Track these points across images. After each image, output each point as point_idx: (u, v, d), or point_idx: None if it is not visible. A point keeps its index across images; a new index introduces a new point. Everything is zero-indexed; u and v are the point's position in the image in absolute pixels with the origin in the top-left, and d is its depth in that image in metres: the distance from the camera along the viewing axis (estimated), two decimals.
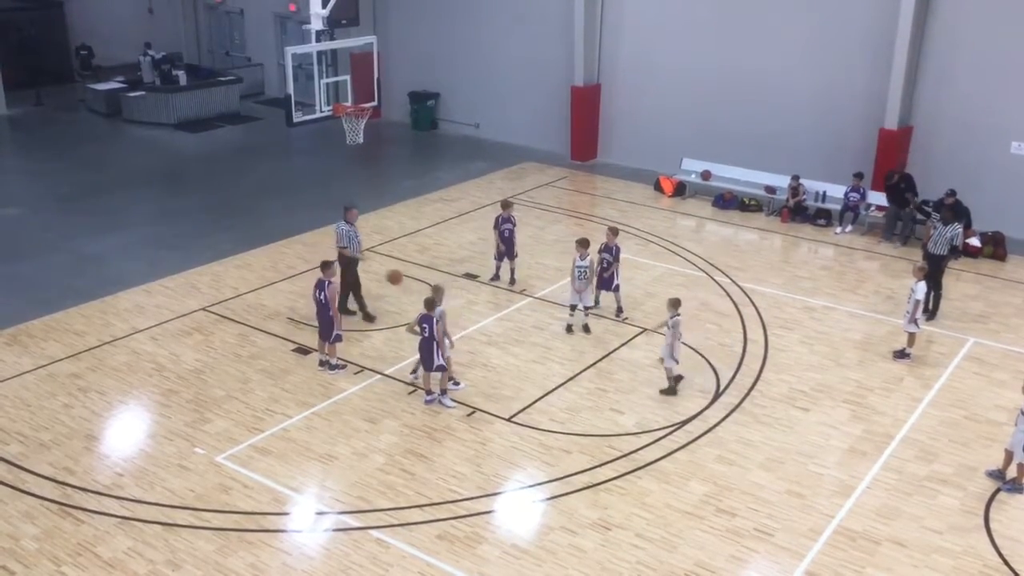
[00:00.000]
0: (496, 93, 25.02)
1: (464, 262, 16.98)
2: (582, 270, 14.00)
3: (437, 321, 11.91)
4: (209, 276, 16.35)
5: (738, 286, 16.24)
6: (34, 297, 15.33)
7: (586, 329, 14.35)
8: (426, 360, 12.06)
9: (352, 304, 14.58)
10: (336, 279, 13.01)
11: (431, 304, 11.99)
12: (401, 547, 9.66)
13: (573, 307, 14.41)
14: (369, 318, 14.50)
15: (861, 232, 18.88)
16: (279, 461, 11.08)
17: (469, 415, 12.10)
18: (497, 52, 24.62)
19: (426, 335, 11.91)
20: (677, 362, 12.60)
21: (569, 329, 14.31)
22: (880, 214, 18.82)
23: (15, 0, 31.20)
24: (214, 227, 18.71)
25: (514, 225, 15.68)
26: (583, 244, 14.16)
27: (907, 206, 18.22)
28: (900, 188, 18.27)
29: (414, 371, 12.77)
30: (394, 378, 12.88)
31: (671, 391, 12.61)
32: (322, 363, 13.19)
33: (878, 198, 19.00)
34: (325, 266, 12.94)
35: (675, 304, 12.49)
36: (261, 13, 29.77)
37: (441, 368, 12.09)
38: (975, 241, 17.65)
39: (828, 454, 11.38)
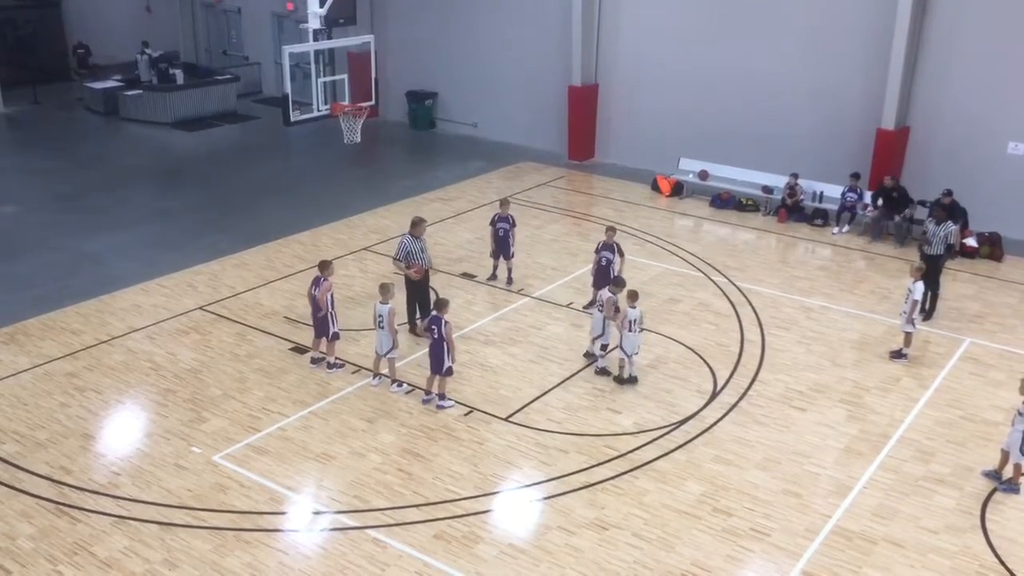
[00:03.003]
0: (494, 93, 25.02)
1: (462, 261, 16.98)
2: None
3: (446, 322, 11.92)
4: (206, 275, 16.34)
5: (735, 286, 16.26)
6: (31, 296, 15.31)
7: (606, 372, 13.17)
8: (435, 363, 12.06)
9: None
10: (332, 277, 13.02)
11: (441, 306, 12.00)
12: (398, 547, 9.66)
13: (605, 346, 13.16)
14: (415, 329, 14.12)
15: (858, 232, 18.88)
16: (276, 460, 11.08)
17: (466, 415, 12.10)
18: (495, 52, 24.61)
19: (436, 337, 11.92)
20: (628, 355, 12.66)
21: (606, 372, 13.12)
22: (876, 214, 18.87)
23: None
24: (211, 226, 18.70)
25: (511, 225, 15.68)
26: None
27: (897, 213, 18.29)
28: (893, 197, 18.33)
29: (376, 376, 12.80)
30: (387, 376, 12.85)
31: (620, 379, 12.77)
32: (314, 361, 13.20)
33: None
34: (323, 265, 12.95)
35: (631, 296, 12.63)
36: (258, 12, 29.75)
37: (449, 371, 12.10)
38: (972, 241, 17.67)
39: (825, 454, 11.40)
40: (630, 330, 12.55)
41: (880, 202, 18.45)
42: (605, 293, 13.13)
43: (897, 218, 18.31)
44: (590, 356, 13.48)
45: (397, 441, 11.49)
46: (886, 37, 18.75)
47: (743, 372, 13.33)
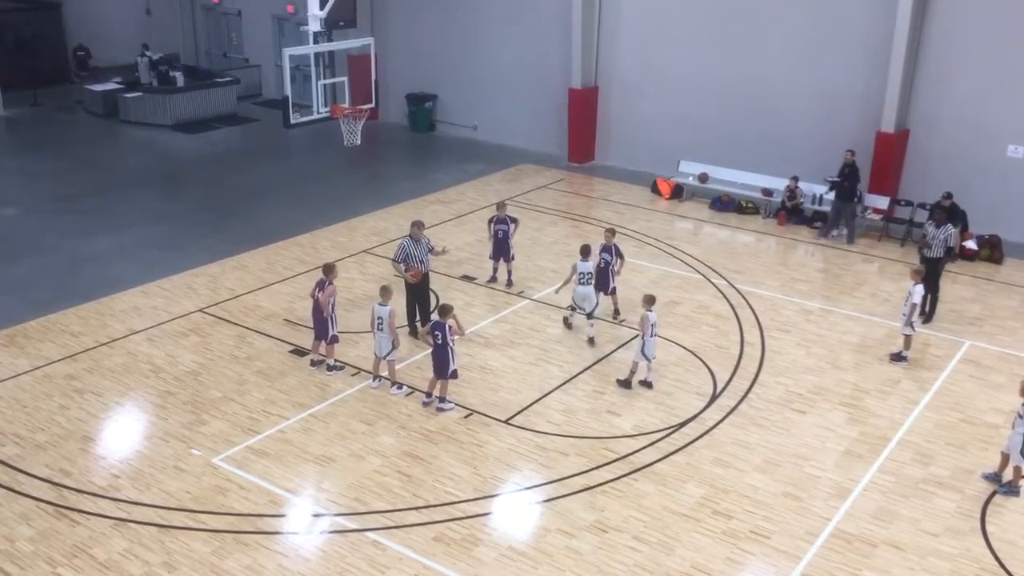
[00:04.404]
0: (494, 95, 25.03)
1: (461, 264, 16.98)
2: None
3: (449, 328, 11.91)
4: (206, 277, 16.33)
5: (735, 288, 16.26)
6: (30, 298, 15.31)
7: (570, 324, 14.52)
8: (440, 367, 12.04)
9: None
10: (336, 281, 13.03)
11: (444, 312, 11.99)
12: (398, 549, 9.65)
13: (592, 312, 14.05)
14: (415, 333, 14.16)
15: (857, 235, 18.89)
16: (276, 463, 11.07)
17: (466, 417, 12.09)
18: (495, 54, 24.63)
19: (439, 342, 11.91)
20: (647, 358, 12.66)
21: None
22: (877, 216, 18.90)
23: (12, 0, 31.17)
24: (211, 228, 18.70)
25: (508, 226, 15.67)
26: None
27: (852, 199, 18.47)
28: (845, 174, 18.48)
29: (376, 378, 12.81)
30: (387, 378, 12.85)
31: (626, 383, 12.75)
32: (314, 363, 13.19)
33: (875, 200, 19.06)
34: (328, 268, 12.95)
35: (648, 301, 12.63)
36: (259, 14, 29.77)
37: (454, 374, 12.11)
38: (971, 244, 17.68)
39: (824, 456, 11.39)
40: (651, 334, 12.55)
41: (835, 190, 18.71)
42: (588, 264, 13.88)
43: (856, 200, 18.56)
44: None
45: (397, 443, 11.49)
46: (886, 40, 18.76)
47: (743, 375, 13.33)
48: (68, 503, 10.29)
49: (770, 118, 20.70)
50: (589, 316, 14.04)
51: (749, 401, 12.64)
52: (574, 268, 14.03)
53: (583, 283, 13.94)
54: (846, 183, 18.44)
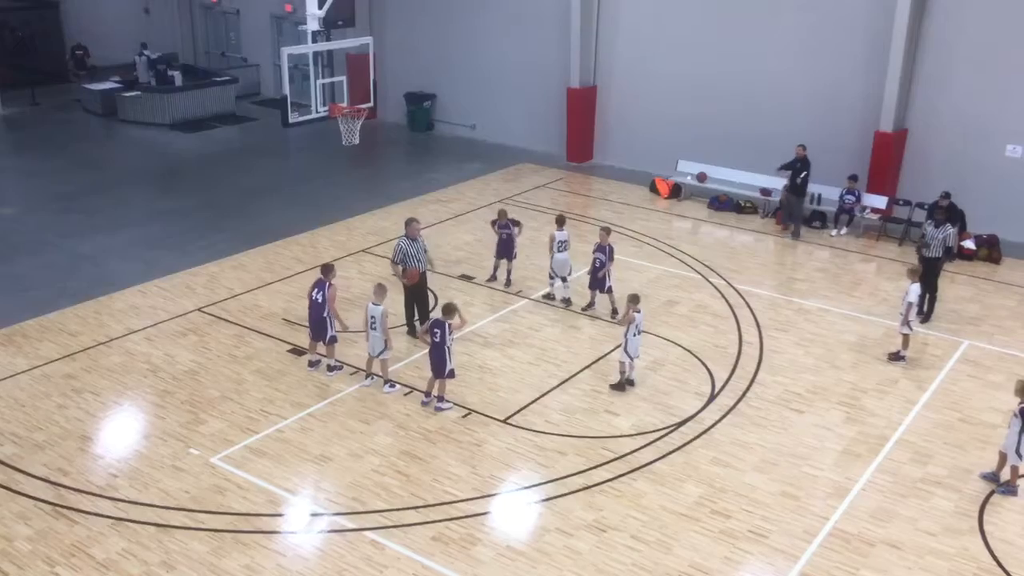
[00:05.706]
0: (492, 94, 25.03)
1: (460, 263, 16.98)
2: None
3: (450, 326, 11.91)
4: (204, 277, 16.33)
5: (733, 288, 16.27)
6: (29, 297, 15.30)
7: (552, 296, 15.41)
8: (437, 367, 12.05)
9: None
10: (336, 282, 13.02)
11: (448, 311, 11.99)
12: (396, 548, 9.65)
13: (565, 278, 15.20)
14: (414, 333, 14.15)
15: (856, 234, 18.92)
16: (274, 462, 11.07)
17: (464, 416, 12.10)
18: (493, 53, 24.63)
19: (437, 340, 11.91)
20: (631, 358, 12.68)
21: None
22: (875, 216, 18.92)
23: (11, 0, 31.16)
24: (210, 228, 18.69)
25: (512, 229, 15.66)
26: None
27: (802, 194, 18.68)
28: (796, 167, 18.62)
29: (368, 375, 12.82)
30: (380, 376, 12.84)
31: (619, 386, 12.73)
32: (311, 363, 13.19)
33: (874, 200, 19.08)
34: (327, 269, 12.94)
35: (632, 300, 12.62)
36: (257, 14, 29.77)
37: (451, 374, 12.11)
38: (970, 244, 17.70)
39: (823, 456, 11.40)
40: (636, 334, 12.57)
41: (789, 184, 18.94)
42: (563, 232, 14.95)
43: (784, 182, 18.89)
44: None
45: (395, 443, 11.49)
46: (884, 39, 18.77)
47: (741, 374, 13.34)
48: (66, 502, 10.29)
49: (769, 118, 20.69)
50: (564, 280, 15.13)
51: (747, 400, 12.65)
52: (552, 238, 14.91)
53: (561, 251, 14.89)
54: (798, 179, 18.58)
